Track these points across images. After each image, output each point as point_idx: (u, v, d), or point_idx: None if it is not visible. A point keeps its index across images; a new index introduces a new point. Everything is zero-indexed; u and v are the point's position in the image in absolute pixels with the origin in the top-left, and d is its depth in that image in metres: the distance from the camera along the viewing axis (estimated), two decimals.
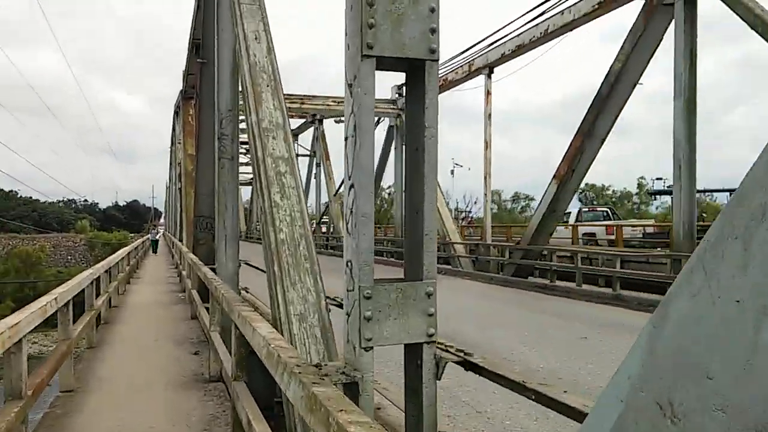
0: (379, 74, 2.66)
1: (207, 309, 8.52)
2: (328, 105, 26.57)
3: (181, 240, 24.81)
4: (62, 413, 5.69)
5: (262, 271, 10.31)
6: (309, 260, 4.67)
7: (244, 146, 19.54)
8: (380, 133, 26.97)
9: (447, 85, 20.63)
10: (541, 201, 17.59)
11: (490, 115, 18.63)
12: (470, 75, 19.60)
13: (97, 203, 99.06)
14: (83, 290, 7.93)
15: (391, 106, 24.06)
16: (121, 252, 14.27)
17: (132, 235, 70.56)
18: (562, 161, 16.31)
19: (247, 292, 10.38)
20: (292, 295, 4.41)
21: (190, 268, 12.42)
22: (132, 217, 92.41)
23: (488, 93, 18.57)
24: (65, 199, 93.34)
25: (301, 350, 4.08)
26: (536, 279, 17.77)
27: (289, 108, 28.16)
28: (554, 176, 16.41)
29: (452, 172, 50.19)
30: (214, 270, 9.24)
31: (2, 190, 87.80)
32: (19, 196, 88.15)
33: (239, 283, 9.32)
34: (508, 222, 47.60)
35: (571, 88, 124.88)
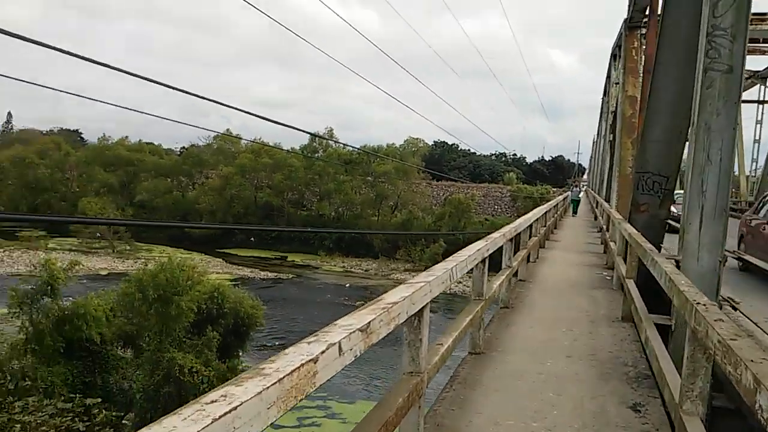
0: None
1: (660, 329, 4.82)
2: None
3: (607, 200, 21.16)
4: None
5: None
6: None
7: None
8: None
9: None
10: None
11: None
12: None
13: (525, 157, 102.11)
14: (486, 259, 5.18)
15: None
16: (533, 214, 11.52)
17: (554, 189, 69.88)
18: None
19: (735, 308, 6.13)
20: None
21: (625, 244, 8.77)
22: (556, 172, 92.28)
23: None
24: (497, 153, 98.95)
25: None
26: None
27: None
28: None
29: None
30: (675, 262, 5.40)
31: (445, 142, 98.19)
32: (459, 148, 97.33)
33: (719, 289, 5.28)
34: None
35: None
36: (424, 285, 3.33)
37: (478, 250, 5.15)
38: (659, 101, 8.55)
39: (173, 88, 5.44)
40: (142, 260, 56.15)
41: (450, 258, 4.45)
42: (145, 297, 18.12)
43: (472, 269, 5.17)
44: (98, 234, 58.36)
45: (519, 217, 10.81)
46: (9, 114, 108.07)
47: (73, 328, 17.61)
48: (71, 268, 19.99)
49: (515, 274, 9.10)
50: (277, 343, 33.93)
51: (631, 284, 7.03)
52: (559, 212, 22.66)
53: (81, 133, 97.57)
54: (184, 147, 77.65)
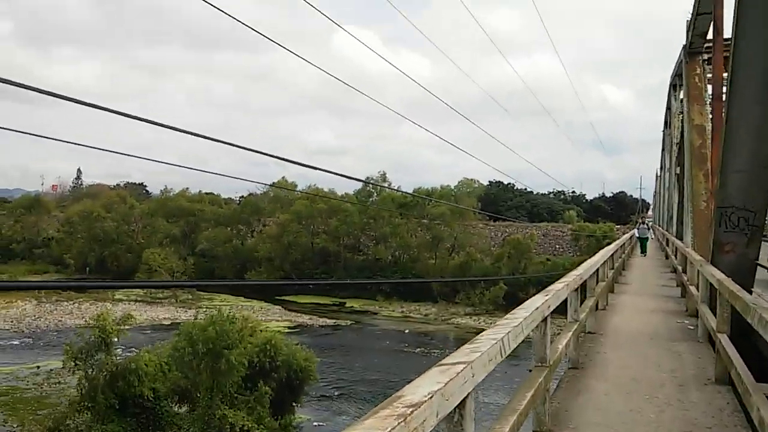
0: None
1: None
2: None
3: (679, 238, 19.67)
4: None
5: None
6: None
7: None
8: None
9: None
10: None
11: None
12: None
13: (584, 194, 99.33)
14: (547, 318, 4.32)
15: None
16: (600, 256, 10.43)
17: (617, 226, 67.22)
18: None
19: None
20: None
21: (710, 290, 7.67)
22: (618, 209, 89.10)
23: None
24: (555, 191, 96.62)
25: None
26: None
27: None
28: None
29: None
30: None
31: (501, 182, 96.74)
32: (515, 188, 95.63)
33: None
34: None
35: None
36: (463, 369, 2.52)
37: (537, 308, 4.30)
38: (740, 127, 7.54)
39: (219, 141, 5.05)
40: (204, 309, 56.99)
41: (501, 323, 3.63)
42: (195, 351, 17.69)
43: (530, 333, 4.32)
44: None
45: (582, 256, 9.82)
46: (79, 170, 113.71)
47: (126, 384, 17.35)
48: (124, 323, 19.92)
49: (584, 327, 8.09)
50: (336, 394, 33.04)
51: (724, 340, 5.96)
52: (626, 251, 21.19)
53: (146, 186, 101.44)
54: (242, 196, 79.47)
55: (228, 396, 17.92)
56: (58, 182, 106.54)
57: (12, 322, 48.15)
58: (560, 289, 5.48)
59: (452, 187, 69.95)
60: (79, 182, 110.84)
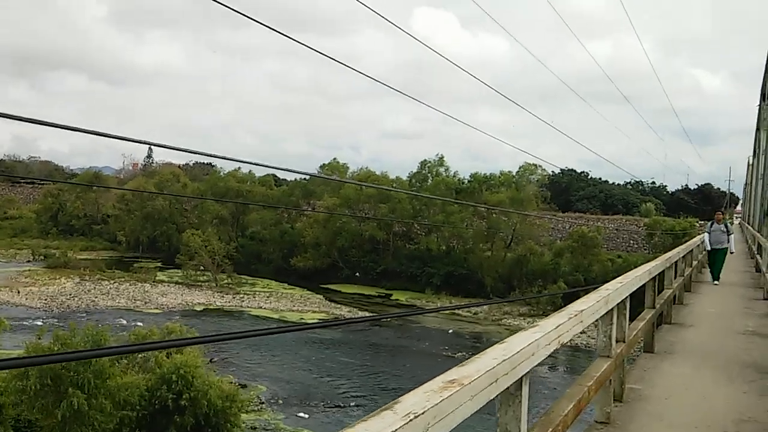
0: None
1: None
2: None
3: None
4: None
5: None
6: None
7: None
8: None
9: None
10: None
11: None
12: None
13: (665, 186, 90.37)
14: None
15: None
16: (615, 290, 5.09)
17: (700, 222, 59.76)
18: None
19: None
20: None
21: None
22: (703, 203, 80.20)
23: None
24: (632, 182, 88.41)
25: None
26: None
27: None
28: None
29: None
30: None
31: (575, 171, 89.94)
32: (589, 177, 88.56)
33: None
34: None
35: None
36: None
37: None
38: None
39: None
40: (242, 295, 54.52)
41: None
42: (26, 386, 12.40)
43: None
44: (201, 267, 57.63)
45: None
46: (150, 148, 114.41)
47: None
48: None
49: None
50: (352, 404, 29.25)
51: None
52: (694, 266, 15.38)
53: (213, 165, 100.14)
54: (305, 178, 76.60)
55: None
56: (136, 160, 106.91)
57: (46, 300, 47.17)
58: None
59: (513, 174, 64.09)
60: (150, 160, 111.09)
